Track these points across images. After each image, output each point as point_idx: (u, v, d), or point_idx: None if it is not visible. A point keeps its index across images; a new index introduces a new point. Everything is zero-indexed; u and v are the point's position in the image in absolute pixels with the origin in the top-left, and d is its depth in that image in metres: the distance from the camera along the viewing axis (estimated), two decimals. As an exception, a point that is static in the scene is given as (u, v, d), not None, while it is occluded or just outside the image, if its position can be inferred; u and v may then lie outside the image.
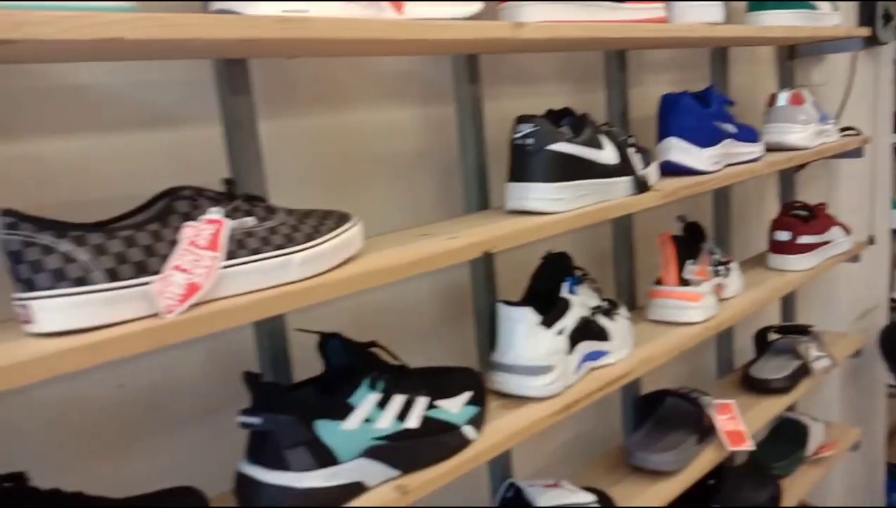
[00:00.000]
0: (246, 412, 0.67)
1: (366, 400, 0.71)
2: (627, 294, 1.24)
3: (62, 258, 0.51)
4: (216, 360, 0.84)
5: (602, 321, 0.97)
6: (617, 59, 1.16)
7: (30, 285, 0.51)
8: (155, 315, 0.54)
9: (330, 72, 0.93)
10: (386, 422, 0.72)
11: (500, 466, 1.05)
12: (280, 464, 0.66)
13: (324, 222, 0.66)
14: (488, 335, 1.01)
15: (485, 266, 0.99)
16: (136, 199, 0.64)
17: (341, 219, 0.69)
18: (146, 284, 0.54)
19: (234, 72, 0.72)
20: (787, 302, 1.69)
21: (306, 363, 0.80)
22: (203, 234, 0.57)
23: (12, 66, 0.67)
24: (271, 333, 0.78)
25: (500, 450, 0.80)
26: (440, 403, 0.78)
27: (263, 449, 0.67)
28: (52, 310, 0.51)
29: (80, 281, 0.51)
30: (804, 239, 1.39)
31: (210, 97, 0.77)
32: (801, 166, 1.63)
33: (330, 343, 0.75)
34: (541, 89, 1.21)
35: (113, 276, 0.52)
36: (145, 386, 0.80)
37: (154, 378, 0.80)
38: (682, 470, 1.12)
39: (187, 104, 0.80)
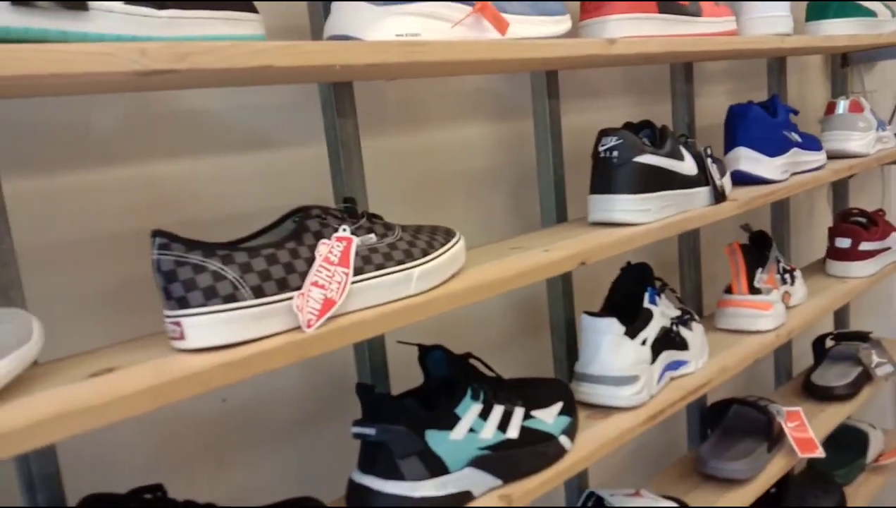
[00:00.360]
0: (359, 423, 0.69)
1: (470, 411, 0.73)
2: (695, 304, 1.25)
3: (213, 276, 0.53)
4: (312, 373, 0.87)
5: (681, 330, 0.98)
6: (684, 70, 1.17)
7: (182, 303, 0.53)
8: (295, 329, 0.56)
9: (412, 93, 0.95)
10: (489, 432, 0.73)
11: (576, 476, 1.06)
12: (395, 474, 0.68)
13: (434, 236, 0.68)
14: (566, 347, 1.02)
15: (562, 278, 1.00)
16: (243, 218, 0.67)
17: (448, 234, 0.71)
18: (288, 299, 0.56)
19: (340, 94, 0.74)
20: (841, 309, 1.69)
21: (396, 376, 0.82)
22: (335, 251, 0.59)
23: (134, 93, 0.70)
24: (371, 345, 0.80)
25: (595, 459, 0.81)
26: (536, 413, 0.79)
27: (377, 459, 0.68)
28: (205, 326, 0.53)
29: (230, 298, 0.53)
30: (865, 246, 1.39)
31: (309, 120, 0.79)
32: (853, 174, 1.63)
33: (431, 355, 0.77)
34: (605, 103, 1.23)
35: (259, 292, 0.55)
36: (247, 400, 0.82)
37: (254, 392, 0.83)
38: (754, 478, 1.13)
39: (288, 127, 0.82)
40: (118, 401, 0.46)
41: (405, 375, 0.81)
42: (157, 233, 0.53)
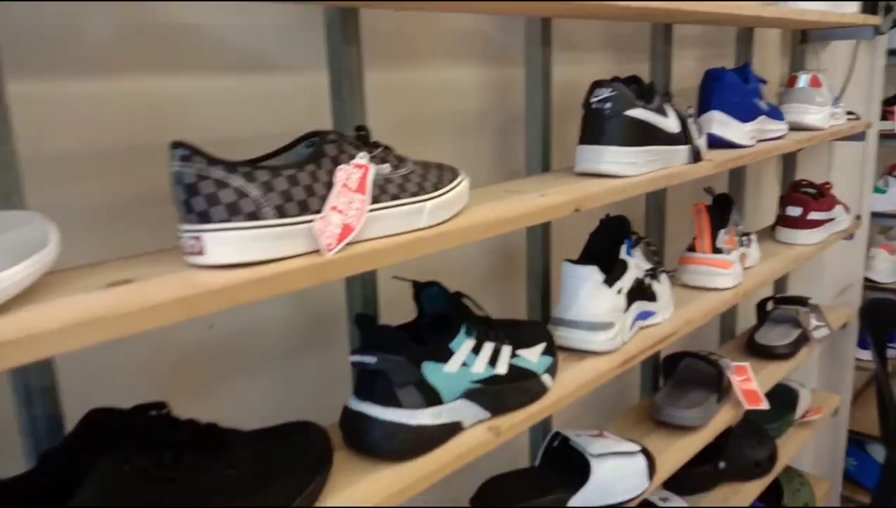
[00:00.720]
0: (358, 352, 0.70)
1: (464, 346, 0.74)
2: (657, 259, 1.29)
3: (235, 193, 0.52)
4: (301, 305, 0.86)
5: (652, 283, 1.02)
6: (664, 31, 1.19)
7: (204, 218, 0.52)
8: (314, 253, 0.56)
9: (404, 27, 0.94)
10: (480, 367, 0.75)
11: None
12: (393, 402, 0.69)
13: (442, 173, 0.69)
14: (540, 293, 1.05)
15: (542, 228, 1.02)
16: (238, 142, 0.66)
17: (453, 172, 0.71)
18: (308, 222, 0.55)
19: (347, 21, 0.73)
20: (781, 276, 1.78)
21: (383, 312, 0.83)
22: (353, 177, 0.59)
23: (127, 3, 0.67)
24: (363, 280, 0.80)
25: (574, 398, 0.85)
26: (521, 352, 0.81)
27: (374, 387, 0.69)
28: (227, 243, 0.52)
29: (252, 216, 0.53)
30: (813, 215, 1.47)
31: (308, 45, 0.77)
32: (811, 145, 1.71)
33: (427, 291, 0.78)
34: (584, 57, 1.24)
35: (280, 212, 0.54)
36: (233, 328, 0.81)
37: (242, 320, 0.82)
38: (704, 426, 1.20)
39: (286, 51, 0.80)
40: (147, 310, 0.46)
41: (390, 312, 0.82)
42: (178, 144, 0.52)
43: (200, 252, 0.52)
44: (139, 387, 0.73)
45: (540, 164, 1.01)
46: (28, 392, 0.57)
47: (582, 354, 0.93)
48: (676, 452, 1.14)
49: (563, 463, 1.01)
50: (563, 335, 0.93)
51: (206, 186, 0.52)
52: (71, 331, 0.43)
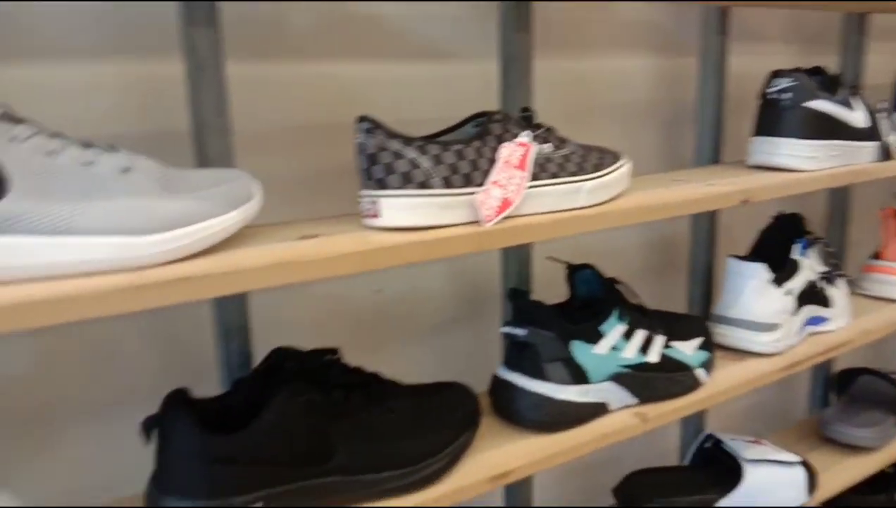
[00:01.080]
0: (509, 324, 0.73)
1: (614, 330, 0.75)
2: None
3: (409, 164, 0.58)
4: (459, 279, 0.91)
5: (826, 287, 0.96)
6: (858, 21, 1.11)
7: (381, 184, 0.58)
8: (474, 223, 0.60)
9: (575, 16, 0.95)
10: (630, 352, 0.76)
11: (693, 420, 1.07)
12: (540, 375, 0.71)
13: (604, 156, 0.70)
14: (701, 290, 1.02)
15: (709, 220, 1.00)
16: (413, 124, 0.71)
17: (616, 156, 0.72)
18: (471, 194, 0.60)
19: (520, 10, 0.76)
20: None
21: (536, 293, 0.86)
22: (515, 155, 0.62)
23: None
24: (519, 259, 0.83)
25: (728, 396, 0.82)
26: (675, 344, 0.81)
27: (523, 360, 0.72)
28: (399, 208, 0.57)
29: (423, 185, 0.58)
30: None
31: (481, 35, 0.82)
32: None
33: (581, 273, 0.79)
34: (764, 48, 1.18)
35: (447, 183, 0.59)
36: (399, 295, 0.88)
37: (406, 289, 0.88)
38: (878, 449, 1.10)
39: (461, 39, 0.85)
40: (330, 259, 0.52)
41: (543, 293, 0.84)
42: (363, 118, 0.58)
43: (376, 215, 0.58)
44: (315, 338, 0.82)
45: (709, 156, 0.98)
46: (227, 330, 0.66)
47: (742, 354, 0.89)
48: (843, 472, 1.07)
49: (714, 465, 0.98)
50: (724, 333, 0.91)
51: (385, 156, 0.57)
52: (267, 271, 0.50)
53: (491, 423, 0.74)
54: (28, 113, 0.52)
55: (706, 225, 0.99)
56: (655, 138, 1.07)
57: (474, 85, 0.86)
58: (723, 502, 0.91)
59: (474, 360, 0.77)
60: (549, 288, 0.83)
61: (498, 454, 0.69)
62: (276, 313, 0.78)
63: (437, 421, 0.66)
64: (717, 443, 0.99)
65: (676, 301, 1.08)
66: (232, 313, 0.66)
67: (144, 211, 0.48)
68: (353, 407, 0.62)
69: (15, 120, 0.47)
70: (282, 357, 0.63)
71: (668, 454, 1.17)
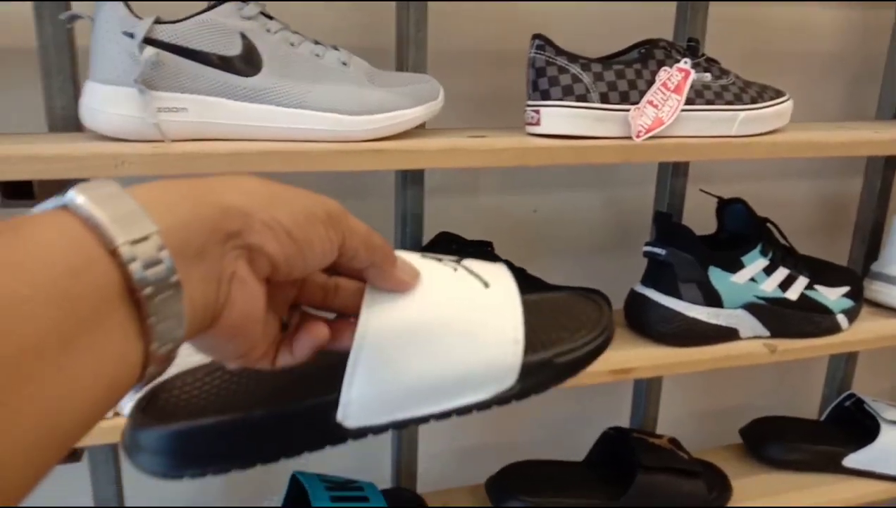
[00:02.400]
0: (651, 243, 0.80)
1: (756, 263, 0.79)
2: None
3: (572, 78, 0.66)
4: (612, 206, 0.98)
5: None
6: None
7: (545, 96, 0.66)
8: (625, 138, 0.67)
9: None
10: (769, 286, 0.79)
11: (840, 377, 1.06)
12: (674, 293, 0.78)
13: (765, 91, 0.73)
14: (866, 249, 1.00)
15: (882, 177, 0.97)
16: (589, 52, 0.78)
17: (777, 93, 0.75)
18: (626, 110, 0.67)
19: (702, -52, 0.80)
20: None
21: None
22: (673, 79, 0.68)
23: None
24: (672, 190, 0.88)
25: (869, 347, 0.83)
26: (819, 288, 0.82)
27: (660, 278, 0.79)
28: (558, 116, 0.66)
29: (582, 98, 0.66)
30: None
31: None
32: None
33: (732, 207, 0.83)
34: None
35: (604, 99, 0.66)
36: (553, 215, 0.97)
37: (560, 211, 0.97)
38: None
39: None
40: (492, 151, 0.62)
41: (691, 225, 0.89)
42: (537, 36, 0.67)
43: (538, 123, 0.67)
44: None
45: (893, 111, 0.95)
46: (405, 216, 0.79)
47: (893, 313, 0.88)
48: None
49: (850, 425, 0.98)
50: (878, 289, 0.90)
51: (551, 70, 0.66)
52: (441, 154, 0.61)
53: (622, 333, 0.81)
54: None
55: (877, 182, 0.97)
56: (834, 92, 1.04)
57: (651, 23, 0.91)
58: (851, 457, 0.92)
59: (616, 284, 0.84)
60: (698, 225, 0.87)
61: (623, 355, 0.76)
62: (445, 213, 0.90)
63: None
64: (859, 403, 0.98)
65: (837, 260, 1.06)
66: (410, 203, 0.79)
67: (357, 96, 0.61)
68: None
69: (268, 17, 0.62)
70: (446, 240, 0.75)
71: (807, 408, 1.16)
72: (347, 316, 0.36)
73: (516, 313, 0.36)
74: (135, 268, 0.24)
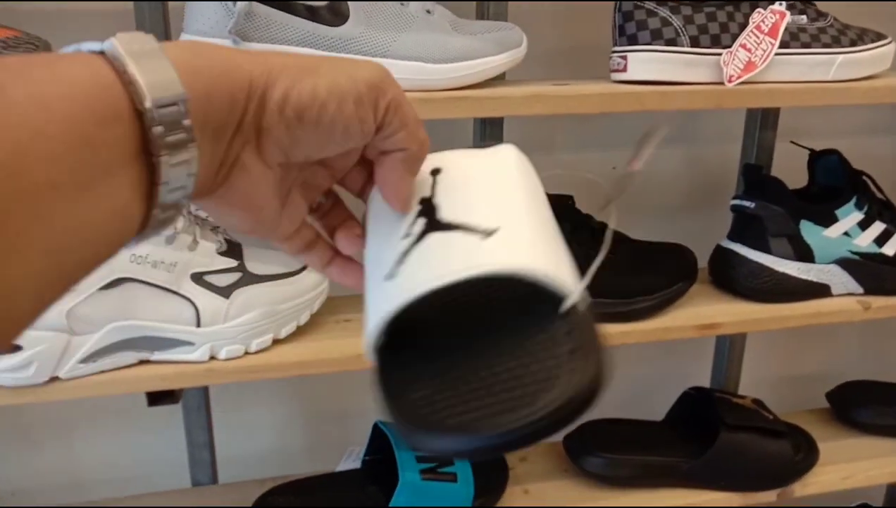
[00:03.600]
0: (739, 197, 0.77)
1: (850, 216, 0.76)
2: None
3: (661, 21, 0.64)
4: (696, 164, 0.96)
5: None
6: None
7: (632, 40, 0.65)
8: (717, 83, 0.65)
9: None
10: (863, 241, 0.76)
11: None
12: (763, 247, 0.75)
13: (865, 34, 0.69)
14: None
15: None
16: None
17: (878, 36, 0.71)
18: (717, 54, 0.64)
19: None
20: None
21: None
22: (767, 21, 0.65)
23: None
24: (760, 143, 0.85)
25: (974, 306, 0.78)
26: (919, 243, 0.78)
27: (748, 231, 0.76)
28: (646, 62, 0.64)
29: (671, 42, 0.64)
30: None
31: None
32: None
33: (825, 159, 0.80)
34: None
35: (695, 43, 0.64)
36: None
37: (641, 168, 0.95)
38: None
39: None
40: (577, 97, 0.61)
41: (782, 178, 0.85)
42: (623, -20, 0.65)
43: (624, 69, 0.66)
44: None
45: None
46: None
47: None
48: None
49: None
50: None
51: (639, 14, 0.64)
52: (527, 100, 0.60)
53: (708, 289, 0.79)
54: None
55: None
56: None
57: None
58: (951, 421, 0.87)
59: (700, 241, 0.82)
60: (787, 182, 0.84)
61: (710, 310, 0.75)
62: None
63: (654, 268, 0.74)
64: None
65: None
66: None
67: (440, 44, 0.61)
68: (580, 242, 0.71)
69: (354, -33, 0.62)
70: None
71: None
72: None
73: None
74: (158, 132, 0.24)
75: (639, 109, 0.63)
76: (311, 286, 0.69)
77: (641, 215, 0.96)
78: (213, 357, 0.64)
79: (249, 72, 0.27)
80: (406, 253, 0.30)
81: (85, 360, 0.61)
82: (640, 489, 0.82)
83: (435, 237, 0.30)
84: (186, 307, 0.63)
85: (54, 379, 0.61)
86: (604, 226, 0.75)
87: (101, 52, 0.24)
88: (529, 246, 0.29)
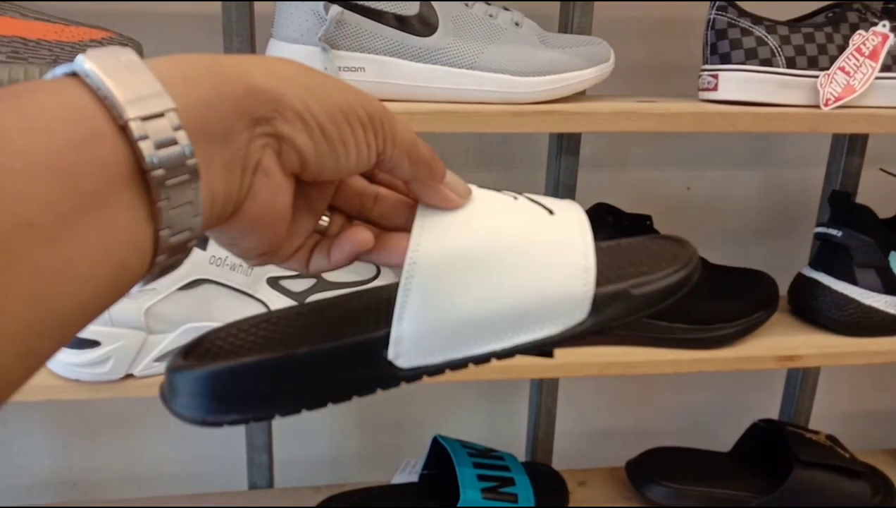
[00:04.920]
0: (825, 225, 0.74)
1: (944, 249, 0.72)
2: None
3: (756, 41, 0.62)
4: (774, 189, 0.93)
5: None
6: None
7: (725, 59, 0.63)
8: (812, 106, 0.62)
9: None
10: (958, 277, 0.72)
11: None
12: (848, 277, 0.72)
13: (971, 59, 0.66)
14: None
15: None
16: None
17: None
18: (814, 77, 0.62)
19: None
20: None
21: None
22: (868, 43, 0.62)
23: None
24: (846, 169, 0.82)
25: None
26: None
27: (833, 261, 0.73)
28: (739, 81, 0.62)
29: (766, 63, 0.62)
30: None
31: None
32: None
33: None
34: None
35: (791, 64, 0.62)
36: (707, 193, 0.92)
37: (715, 190, 0.92)
38: None
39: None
40: (668, 115, 0.60)
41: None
42: (717, -3, 0.63)
43: (714, 88, 0.64)
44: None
45: None
46: (557, 187, 0.78)
47: None
48: None
49: None
50: None
51: (733, 32, 0.62)
52: (615, 116, 0.59)
53: (788, 318, 0.76)
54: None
55: None
56: None
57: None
58: None
59: (778, 268, 0.79)
60: (880, 203, 0.81)
61: (790, 340, 0.72)
62: (596, 187, 0.87)
63: (733, 294, 0.71)
64: None
65: None
66: (564, 173, 0.77)
67: (528, 57, 0.60)
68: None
69: (445, -22, 0.62)
70: (603, 211, 0.73)
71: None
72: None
73: (586, 239, 0.31)
74: (145, 146, 0.21)
75: (730, 130, 0.61)
76: (381, 296, 0.69)
77: (715, 237, 0.93)
78: (283, 363, 0.63)
79: (252, 76, 0.25)
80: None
81: (159, 359, 0.61)
82: (706, 522, 0.79)
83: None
84: (261, 311, 0.63)
85: (128, 376, 0.62)
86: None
87: (73, 73, 0.22)
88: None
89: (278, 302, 0.63)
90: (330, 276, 0.66)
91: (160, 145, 0.22)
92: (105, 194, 0.21)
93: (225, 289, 0.61)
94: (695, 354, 0.68)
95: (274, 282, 0.63)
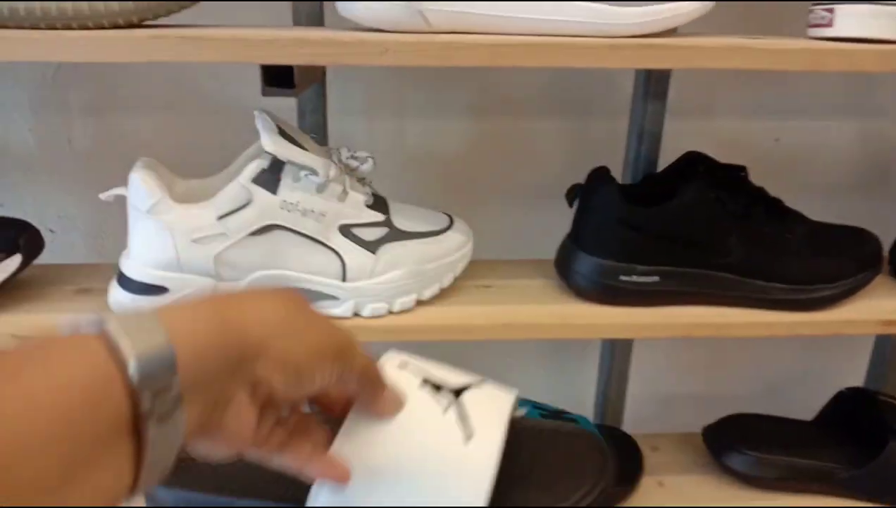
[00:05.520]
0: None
1: None
2: None
3: (883, -31, 0.55)
4: (870, 141, 0.86)
5: None
6: None
7: (844, -10, 0.56)
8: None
9: None
10: None
11: None
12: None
13: None
14: None
15: None
16: None
17: None
18: (948, 8, 0.55)
19: None
20: None
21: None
22: None
23: None
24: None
25: None
26: None
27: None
28: (857, 16, 0.56)
29: (893, -7, 0.55)
30: None
31: None
32: None
33: None
34: None
35: (922, -6, 0.55)
36: (797, 146, 0.86)
37: (805, 142, 0.86)
38: None
39: None
40: (783, 52, 0.54)
41: None
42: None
43: (829, 24, 0.58)
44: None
45: None
46: (641, 134, 0.73)
47: None
48: None
49: None
50: None
51: (855, -40, 0.56)
52: (723, 52, 0.53)
53: (889, 281, 0.71)
54: None
55: None
56: None
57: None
58: None
59: (875, 226, 0.73)
60: None
61: (894, 304, 0.66)
62: (679, 136, 0.81)
63: (835, 253, 0.66)
64: None
65: None
66: (649, 120, 0.72)
67: (624, -14, 0.55)
68: (754, 217, 0.64)
69: None
70: (695, 160, 0.68)
71: None
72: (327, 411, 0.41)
73: (485, 479, 0.38)
74: (148, 413, 0.26)
75: (849, 69, 0.55)
76: (455, 247, 0.65)
77: (806, 193, 0.87)
78: (356, 314, 0.61)
79: (247, 329, 0.31)
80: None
81: (229, 307, 0.59)
82: (789, 493, 0.75)
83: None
84: (333, 260, 0.60)
85: (197, 324, 0.59)
86: (779, 200, 0.68)
87: (97, 328, 0.27)
88: None
89: (351, 252, 0.60)
90: (402, 225, 0.63)
91: (161, 417, 0.27)
92: (103, 447, 0.25)
93: (296, 236, 0.58)
94: (792, 316, 0.64)
95: (346, 230, 0.60)
